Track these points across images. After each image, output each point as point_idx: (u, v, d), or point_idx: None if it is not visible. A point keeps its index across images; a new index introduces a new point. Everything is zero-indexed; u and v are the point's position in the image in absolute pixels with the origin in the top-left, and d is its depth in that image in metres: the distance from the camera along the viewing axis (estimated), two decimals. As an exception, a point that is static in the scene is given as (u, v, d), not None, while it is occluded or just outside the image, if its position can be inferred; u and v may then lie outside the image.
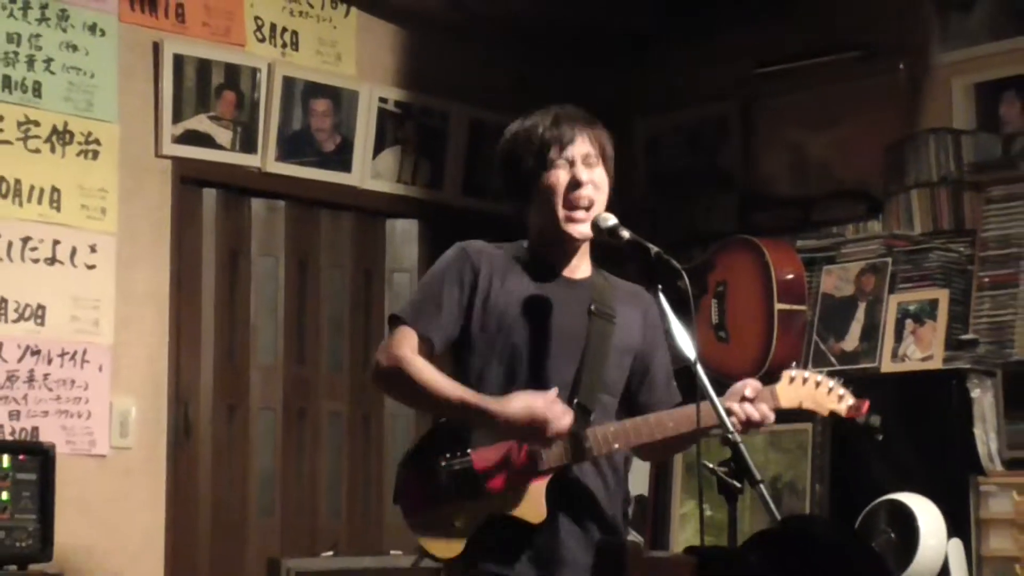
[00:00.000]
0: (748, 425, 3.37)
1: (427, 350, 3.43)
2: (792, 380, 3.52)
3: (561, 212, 3.43)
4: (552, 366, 3.43)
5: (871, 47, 5.79)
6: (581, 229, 3.44)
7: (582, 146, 3.44)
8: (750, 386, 3.44)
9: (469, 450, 3.37)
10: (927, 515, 4.85)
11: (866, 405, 3.59)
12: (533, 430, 3.30)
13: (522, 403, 3.31)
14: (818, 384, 3.54)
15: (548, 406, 3.30)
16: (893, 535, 4.85)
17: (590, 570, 3.23)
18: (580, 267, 3.54)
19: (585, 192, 3.42)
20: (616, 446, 3.40)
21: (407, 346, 3.41)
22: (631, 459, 3.83)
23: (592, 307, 3.47)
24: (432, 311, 3.43)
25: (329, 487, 5.80)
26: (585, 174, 3.42)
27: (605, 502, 3.46)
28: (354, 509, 5.84)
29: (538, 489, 3.35)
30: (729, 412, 3.27)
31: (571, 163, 3.43)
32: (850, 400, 3.57)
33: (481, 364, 3.44)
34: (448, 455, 3.37)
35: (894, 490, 4.98)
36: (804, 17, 5.90)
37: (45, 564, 4.36)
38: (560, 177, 3.42)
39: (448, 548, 3.37)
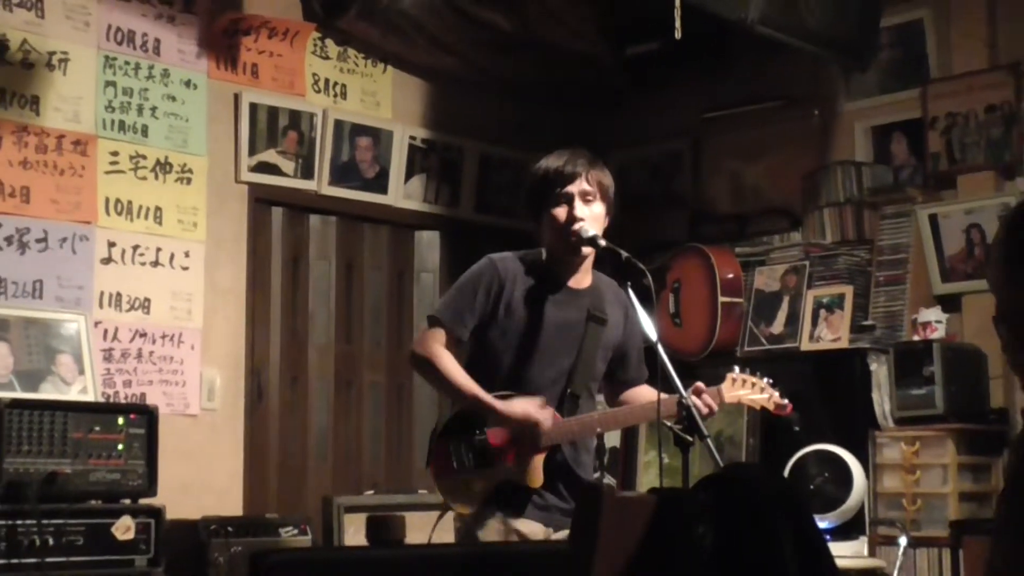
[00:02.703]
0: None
1: (455, 342, 3.46)
2: (734, 381, 3.53)
3: (561, 240, 3.43)
4: (552, 359, 3.44)
5: (792, 98, 5.81)
6: (579, 250, 3.44)
7: (582, 184, 3.41)
8: (700, 383, 3.45)
9: (486, 429, 3.39)
10: (852, 461, 4.88)
11: (790, 407, 3.62)
12: (525, 428, 3.34)
13: (521, 408, 3.34)
14: (753, 385, 3.55)
15: (539, 411, 3.34)
16: (828, 475, 4.88)
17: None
18: (584, 279, 3.52)
19: (579, 227, 3.39)
20: (598, 430, 3.44)
21: (439, 342, 3.44)
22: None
23: (589, 312, 3.47)
24: (464, 313, 3.44)
25: (371, 440, 5.78)
26: (581, 210, 3.40)
27: (583, 466, 3.49)
28: (390, 457, 5.83)
29: (538, 461, 3.38)
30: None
31: (572, 199, 3.40)
32: (777, 399, 3.58)
33: (497, 355, 3.45)
34: (470, 434, 3.39)
35: (812, 443, 5.00)
36: (740, 75, 5.92)
37: (151, 499, 4.37)
38: (561, 213, 3.41)
39: (469, 506, 3.39)
